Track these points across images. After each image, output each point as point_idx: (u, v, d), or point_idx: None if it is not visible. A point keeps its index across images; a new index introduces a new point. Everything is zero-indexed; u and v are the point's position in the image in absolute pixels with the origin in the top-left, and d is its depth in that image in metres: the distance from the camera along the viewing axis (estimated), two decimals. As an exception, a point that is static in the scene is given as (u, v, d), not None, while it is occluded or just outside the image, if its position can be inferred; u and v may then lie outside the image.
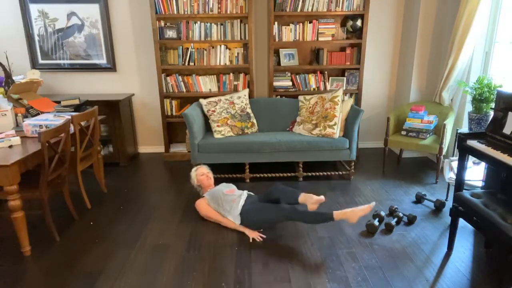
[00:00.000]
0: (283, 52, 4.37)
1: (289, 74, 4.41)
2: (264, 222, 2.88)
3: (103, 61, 4.49)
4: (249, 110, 4.06)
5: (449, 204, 3.30)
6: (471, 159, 3.28)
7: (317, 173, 3.94)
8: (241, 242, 2.77)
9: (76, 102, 3.57)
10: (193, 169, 3.32)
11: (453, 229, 2.59)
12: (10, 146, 2.71)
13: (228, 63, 4.34)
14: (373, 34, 4.55)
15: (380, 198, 3.48)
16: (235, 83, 4.42)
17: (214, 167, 3.93)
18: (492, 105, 3.30)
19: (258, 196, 3.12)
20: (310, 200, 2.92)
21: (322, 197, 2.91)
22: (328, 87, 4.48)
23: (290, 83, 4.42)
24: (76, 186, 3.28)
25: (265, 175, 3.91)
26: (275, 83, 4.39)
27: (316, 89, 4.47)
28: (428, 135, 3.84)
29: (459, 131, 2.81)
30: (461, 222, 2.89)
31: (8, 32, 4.38)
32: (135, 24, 4.41)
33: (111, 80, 4.59)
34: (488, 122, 2.71)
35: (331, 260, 2.56)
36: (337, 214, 2.65)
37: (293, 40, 4.31)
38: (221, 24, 4.22)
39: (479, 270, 2.44)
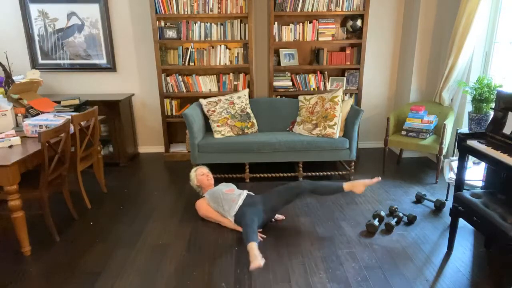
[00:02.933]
0: (283, 52, 4.37)
1: (289, 74, 4.41)
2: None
3: (103, 61, 4.49)
4: (249, 110, 4.06)
5: (449, 204, 3.30)
6: (471, 159, 3.28)
7: (317, 173, 3.94)
8: (241, 242, 2.77)
9: (76, 102, 3.57)
10: (193, 170, 3.32)
11: (453, 229, 2.59)
12: (10, 146, 2.71)
13: (228, 63, 4.34)
14: (373, 34, 4.55)
15: (380, 198, 3.48)
16: (235, 83, 4.42)
17: (214, 167, 3.93)
18: (492, 105, 3.30)
19: (262, 196, 3.04)
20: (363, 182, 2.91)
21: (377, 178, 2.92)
22: (328, 87, 4.48)
23: (290, 83, 4.42)
24: (76, 186, 3.28)
25: (265, 175, 3.91)
26: (275, 83, 4.39)
27: (316, 89, 4.47)
28: (428, 135, 3.84)
29: (459, 131, 2.81)
30: (461, 222, 2.89)
31: (8, 32, 4.38)
32: (135, 24, 4.41)
33: (111, 80, 4.59)
34: (488, 122, 2.71)
35: (331, 260, 2.56)
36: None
37: (293, 40, 4.31)
38: (221, 24, 4.22)
39: (479, 270, 2.44)
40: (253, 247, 2.40)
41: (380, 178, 2.93)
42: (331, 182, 3.01)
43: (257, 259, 2.30)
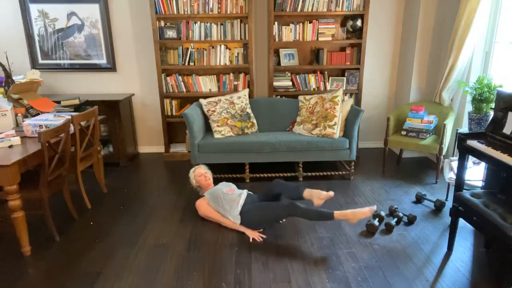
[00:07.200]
0: (283, 52, 4.37)
1: (289, 74, 4.41)
2: (265, 221, 2.88)
3: (103, 61, 4.49)
4: (249, 110, 4.06)
5: (449, 204, 3.30)
6: (471, 159, 3.28)
7: (317, 173, 3.94)
8: (241, 242, 2.77)
9: (76, 102, 3.57)
10: (192, 170, 3.32)
11: (453, 229, 2.59)
12: (10, 146, 2.71)
13: (228, 63, 4.34)
14: (373, 34, 4.55)
15: (380, 198, 3.48)
16: (235, 83, 4.42)
17: (214, 167, 3.93)
18: (492, 105, 3.29)
19: (258, 195, 3.12)
20: (319, 196, 2.89)
21: (331, 193, 2.89)
22: (328, 87, 4.48)
23: (290, 83, 4.42)
24: (76, 186, 3.28)
25: (265, 175, 3.91)
26: (275, 83, 4.39)
27: (316, 89, 4.47)
28: (428, 135, 3.84)
29: (459, 131, 2.81)
30: (461, 222, 2.90)
31: (8, 32, 4.38)
32: (135, 24, 4.41)
33: (111, 80, 4.59)
34: (488, 122, 2.71)
35: (331, 260, 2.56)
36: (337, 214, 2.64)
37: (293, 40, 4.31)
38: (221, 24, 4.22)
39: (479, 270, 2.44)
40: (342, 212, 2.62)
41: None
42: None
43: (363, 210, 2.61)
